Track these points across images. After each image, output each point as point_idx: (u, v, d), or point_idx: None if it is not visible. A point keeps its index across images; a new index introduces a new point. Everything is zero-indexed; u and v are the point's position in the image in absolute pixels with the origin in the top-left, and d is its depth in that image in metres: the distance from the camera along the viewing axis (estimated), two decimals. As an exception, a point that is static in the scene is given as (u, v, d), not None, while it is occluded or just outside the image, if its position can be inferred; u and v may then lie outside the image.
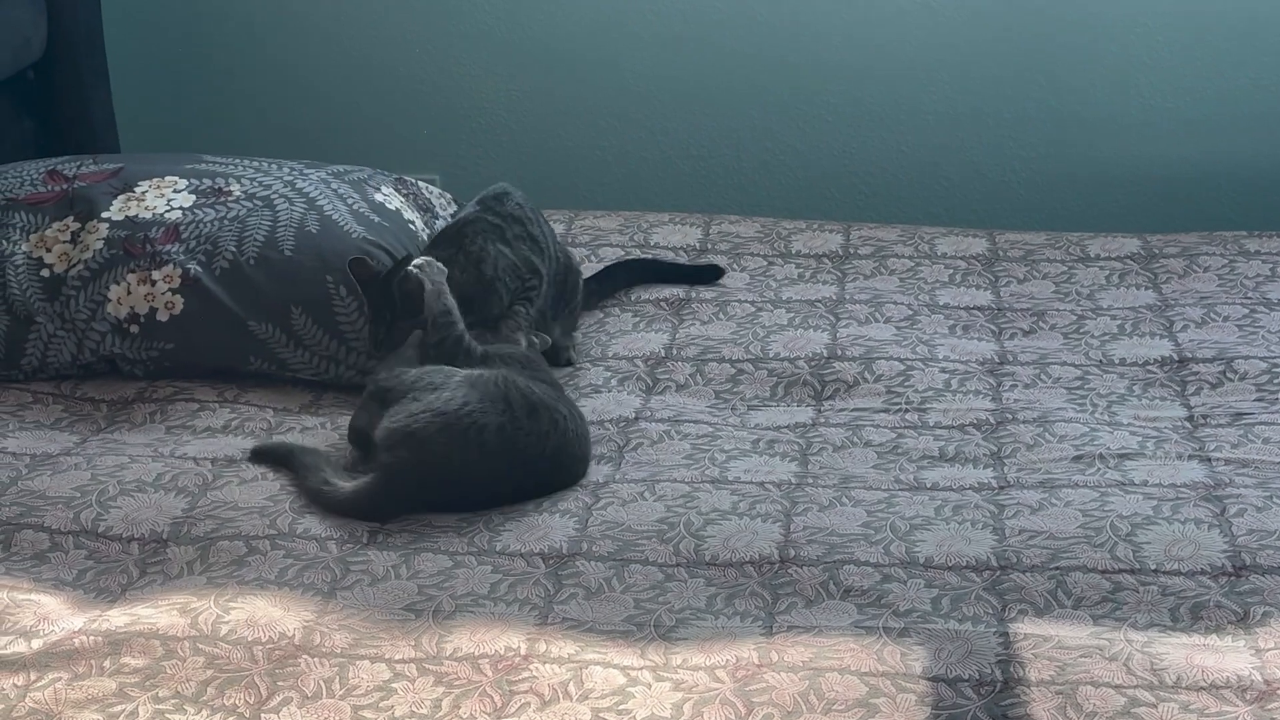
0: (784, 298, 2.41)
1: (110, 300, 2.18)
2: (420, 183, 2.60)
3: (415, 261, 2.03)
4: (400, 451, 1.81)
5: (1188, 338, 2.25)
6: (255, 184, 2.33)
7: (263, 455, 1.93)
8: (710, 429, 2.03)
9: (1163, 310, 2.35)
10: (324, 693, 1.51)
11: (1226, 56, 2.94)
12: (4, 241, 2.23)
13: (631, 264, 2.49)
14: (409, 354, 2.02)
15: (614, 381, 2.17)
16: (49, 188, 2.31)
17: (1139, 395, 2.10)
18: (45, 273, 2.21)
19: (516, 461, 1.83)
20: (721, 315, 2.36)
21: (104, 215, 2.25)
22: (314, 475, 1.85)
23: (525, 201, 2.24)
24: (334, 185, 2.38)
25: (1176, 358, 2.20)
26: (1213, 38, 2.94)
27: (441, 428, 1.80)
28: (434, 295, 1.99)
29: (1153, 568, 1.68)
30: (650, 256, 2.55)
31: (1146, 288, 2.43)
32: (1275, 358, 2.18)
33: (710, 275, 2.48)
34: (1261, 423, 2.00)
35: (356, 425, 1.93)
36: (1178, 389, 2.13)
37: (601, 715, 1.46)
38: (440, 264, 2.02)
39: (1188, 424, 2.02)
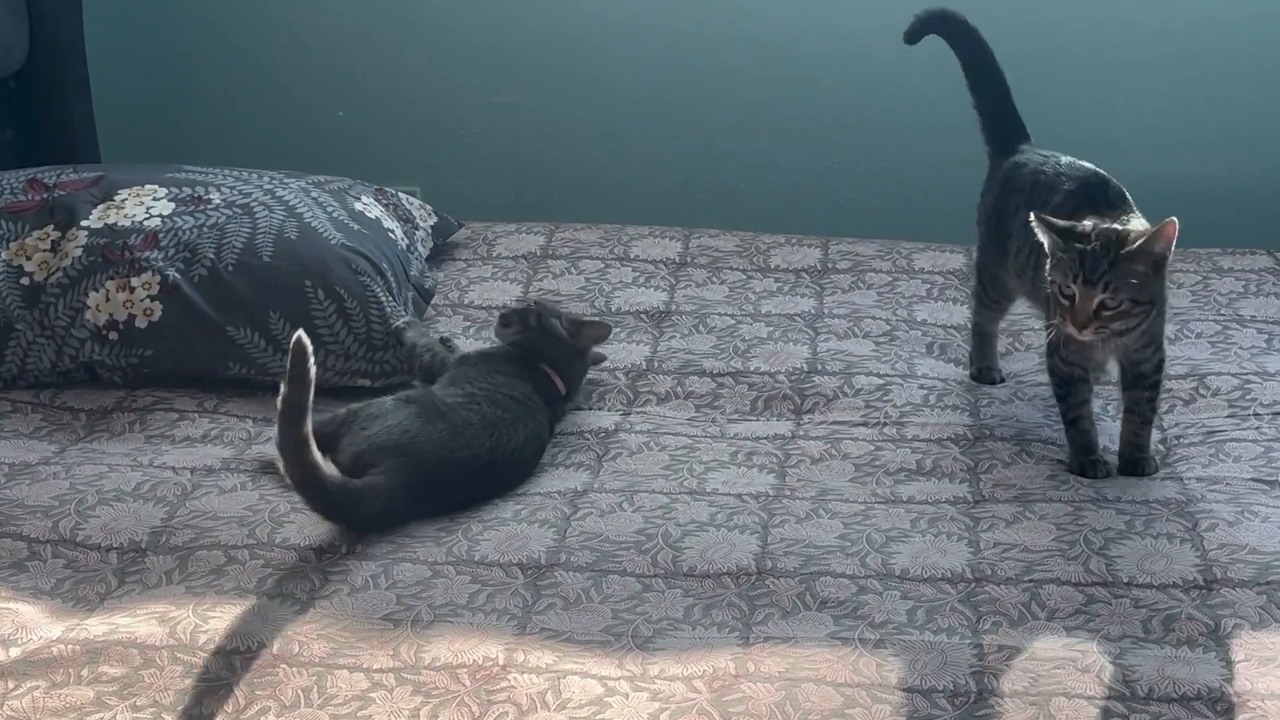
0: (763, 311, 2.42)
1: (89, 307, 2.18)
2: (401, 194, 2.61)
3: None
4: (396, 457, 1.84)
5: (1162, 354, 2.27)
6: (235, 192, 2.34)
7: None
8: (689, 440, 2.03)
9: (1137, 326, 2.37)
10: (302, 702, 1.51)
11: (1190, 78, 2.97)
12: (-16, 249, 2.23)
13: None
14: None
15: (594, 395, 2.18)
16: (29, 196, 2.31)
17: (1113, 415, 2.11)
18: (25, 280, 2.20)
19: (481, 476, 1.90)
20: (701, 328, 2.37)
21: (84, 223, 2.25)
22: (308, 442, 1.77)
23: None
24: (314, 194, 2.39)
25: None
26: (1176, 63, 2.96)
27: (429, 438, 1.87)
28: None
29: (1125, 581, 1.69)
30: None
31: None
32: (1247, 374, 2.20)
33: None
34: (1233, 440, 2.02)
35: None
36: (1151, 405, 2.14)
37: (579, 725, 1.47)
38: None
39: (1161, 446, 2.03)
